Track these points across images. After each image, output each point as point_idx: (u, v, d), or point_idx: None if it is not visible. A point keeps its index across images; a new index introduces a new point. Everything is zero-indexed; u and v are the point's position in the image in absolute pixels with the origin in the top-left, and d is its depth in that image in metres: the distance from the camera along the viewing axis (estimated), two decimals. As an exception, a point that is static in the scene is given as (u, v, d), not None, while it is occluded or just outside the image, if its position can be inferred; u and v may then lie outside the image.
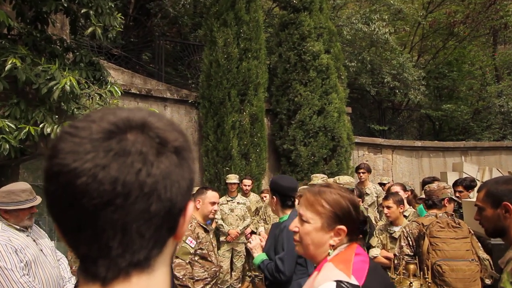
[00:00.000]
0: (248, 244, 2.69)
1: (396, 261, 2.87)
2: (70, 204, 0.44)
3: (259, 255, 2.59)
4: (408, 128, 12.22)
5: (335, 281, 1.10)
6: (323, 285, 1.10)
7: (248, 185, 5.69)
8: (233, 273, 5.51)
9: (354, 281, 1.11)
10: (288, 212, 2.62)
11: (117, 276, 0.46)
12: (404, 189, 4.02)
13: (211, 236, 3.05)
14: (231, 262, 5.52)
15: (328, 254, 1.24)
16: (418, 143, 9.49)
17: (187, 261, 2.73)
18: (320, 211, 1.26)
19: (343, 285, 1.09)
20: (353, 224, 1.25)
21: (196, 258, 2.86)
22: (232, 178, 5.52)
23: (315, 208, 1.27)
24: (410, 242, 2.88)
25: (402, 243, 2.91)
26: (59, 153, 0.45)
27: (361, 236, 1.30)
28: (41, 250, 2.51)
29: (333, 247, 1.24)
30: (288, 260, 2.42)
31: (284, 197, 2.59)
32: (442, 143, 9.91)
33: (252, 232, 5.50)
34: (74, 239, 0.46)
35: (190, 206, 0.53)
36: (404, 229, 2.94)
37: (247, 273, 5.77)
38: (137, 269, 0.48)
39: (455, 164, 9.26)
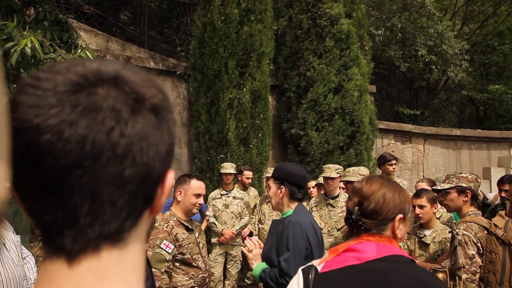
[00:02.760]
0: (244, 249, 2.72)
1: (466, 276, 2.66)
2: (31, 166, 0.46)
3: (258, 265, 2.63)
4: (446, 114, 12.21)
5: (309, 263, 1.49)
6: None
7: (252, 178, 5.73)
8: (227, 282, 5.59)
9: (318, 267, 1.44)
10: (294, 205, 2.66)
11: (85, 249, 0.48)
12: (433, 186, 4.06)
13: (197, 234, 3.06)
14: (225, 269, 5.60)
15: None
16: (457, 132, 9.49)
17: (162, 270, 2.73)
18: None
19: (308, 268, 1.47)
20: (348, 215, 1.49)
21: (177, 264, 2.86)
22: (228, 168, 5.55)
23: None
24: (481, 250, 2.71)
25: (472, 252, 2.69)
26: (19, 107, 0.47)
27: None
28: (4, 245, 2.56)
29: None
30: (295, 260, 2.46)
31: (294, 187, 2.63)
32: (487, 132, 9.91)
33: (251, 234, 5.56)
34: (36, 206, 0.48)
35: (170, 175, 0.55)
36: (466, 233, 2.74)
37: (242, 283, 5.85)
38: (108, 242, 0.50)
39: (502, 158, 9.27)
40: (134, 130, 0.48)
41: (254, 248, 2.69)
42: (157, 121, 0.51)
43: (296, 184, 2.65)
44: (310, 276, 1.42)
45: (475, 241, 2.71)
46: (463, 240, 2.72)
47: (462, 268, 2.68)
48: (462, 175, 3.01)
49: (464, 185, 2.92)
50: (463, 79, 10.97)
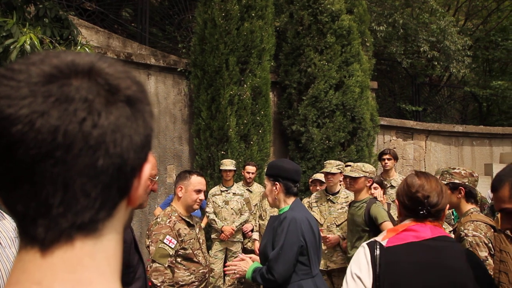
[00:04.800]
0: (232, 268, 2.74)
1: None
2: (4, 156, 0.47)
3: (250, 267, 2.65)
4: (449, 110, 12.15)
5: (372, 239, 1.73)
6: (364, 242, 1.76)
7: (252, 173, 5.74)
8: (227, 278, 5.61)
9: (384, 243, 1.68)
10: (291, 201, 2.67)
11: (58, 239, 0.49)
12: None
13: (197, 230, 3.09)
14: (225, 265, 5.62)
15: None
16: (459, 128, 9.46)
17: (166, 265, 2.76)
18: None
19: (373, 242, 1.70)
20: (401, 201, 1.77)
21: (179, 259, 2.89)
22: (228, 164, 5.57)
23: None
24: (492, 251, 2.58)
25: (484, 253, 2.56)
26: None
27: (423, 215, 1.74)
28: (0, 243, 2.56)
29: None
30: (284, 257, 2.46)
31: (289, 182, 2.65)
32: (489, 128, 9.87)
33: (252, 230, 5.58)
34: (9, 196, 0.49)
35: (147, 168, 0.56)
36: (477, 234, 2.61)
37: (243, 279, 5.87)
38: (82, 232, 0.50)
39: (504, 154, 9.24)
40: (107, 121, 0.49)
41: (236, 265, 2.74)
42: (132, 112, 0.52)
43: (290, 179, 2.67)
44: (375, 249, 1.66)
45: (486, 242, 2.58)
46: (474, 242, 2.59)
47: None
48: (455, 170, 2.87)
49: (457, 181, 2.80)
50: (466, 75, 10.92)
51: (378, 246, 1.68)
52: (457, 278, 1.63)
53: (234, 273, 2.74)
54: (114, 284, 0.53)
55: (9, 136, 0.46)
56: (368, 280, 1.64)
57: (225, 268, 2.88)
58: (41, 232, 0.49)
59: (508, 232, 2.52)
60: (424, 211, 1.75)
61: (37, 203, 0.48)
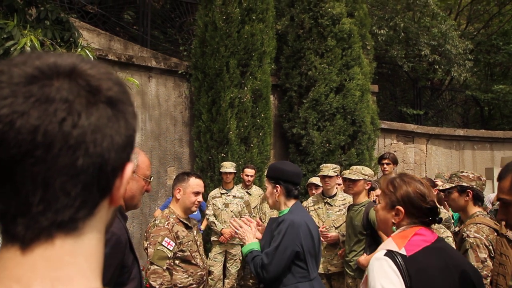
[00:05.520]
0: (237, 231, 2.74)
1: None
2: None
3: (250, 243, 2.65)
4: (450, 114, 12.13)
5: (386, 249, 1.65)
6: (376, 253, 1.67)
7: (251, 175, 5.74)
8: (226, 281, 5.62)
9: (403, 252, 1.62)
10: (291, 204, 2.67)
11: (38, 237, 0.50)
12: (433, 186, 4.05)
13: (195, 232, 3.09)
14: (224, 267, 5.62)
15: (393, 231, 1.76)
16: (460, 132, 9.45)
17: (164, 267, 2.75)
18: (386, 193, 1.82)
19: (391, 253, 1.62)
20: (415, 209, 1.74)
21: (177, 262, 2.89)
22: (228, 167, 5.57)
23: (384, 191, 1.84)
24: (492, 253, 2.62)
25: (483, 255, 2.61)
26: None
27: (428, 221, 1.77)
28: None
29: (395, 225, 1.77)
30: (278, 257, 2.47)
31: (290, 185, 2.65)
32: (490, 132, 9.86)
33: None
34: None
35: (129, 168, 0.57)
36: (478, 235, 2.65)
37: (242, 281, 5.87)
38: (62, 231, 0.51)
39: (505, 158, 9.21)
40: (87, 122, 0.50)
41: (240, 226, 2.74)
42: (113, 113, 0.53)
43: (291, 181, 2.67)
44: (398, 260, 1.60)
45: (487, 244, 2.64)
46: (474, 243, 2.65)
47: None
48: (463, 174, 2.93)
49: (465, 184, 2.85)
50: (467, 79, 10.91)
51: (398, 256, 1.62)
52: (470, 277, 1.67)
53: (236, 232, 2.75)
54: (94, 282, 0.53)
55: None
56: None
57: (231, 221, 2.87)
58: (21, 230, 0.50)
59: (510, 235, 2.54)
60: (432, 217, 1.78)
61: (17, 201, 0.49)
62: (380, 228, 1.91)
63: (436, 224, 3.46)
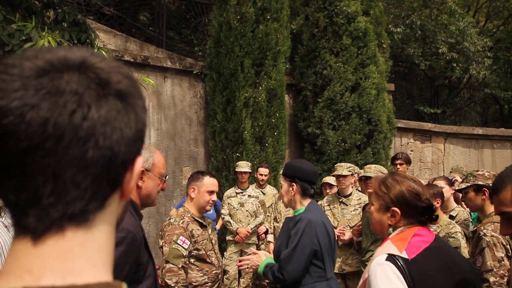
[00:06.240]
0: (245, 262, 2.76)
1: (493, 279, 2.53)
2: None
3: (263, 261, 2.65)
4: (468, 112, 11.93)
5: (387, 253, 1.58)
6: (377, 258, 1.60)
7: (265, 175, 5.73)
8: (242, 280, 5.62)
9: (404, 255, 1.57)
10: (307, 202, 2.66)
11: (49, 229, 0.50)
12: (450, 184, 3.99)
13: (210, 231, 3.10)
14: (239, 262, 5.62)
15: (390, 233, 1.71)
16: (479, 131, 9.28)
17: (180, 266, 2.77)
18: (379, 194, 1.74)
19: (392, 257, 1.56)
20: (411, 208, 1.68)
21: (192, 260, 2.90)
22: (243, 166, 5.58)
23: (376, 192, 1.76)
24: (509, 252, 2.61)
25: (500, 254, 2.58)
26: None
27: (424, 220, 1.72)
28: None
29: (392, 227, 1.71)
30: (296, 258, 2.46)
31: (306, 183, 2.64)
32: (510, 131, 9.65)
33: (266, 232, 5.57)
34: (1, 186, 0.51)
35: (139, 161, 0.57)
36: (495, 234, 2.61)
37: (256, 281, 5.86)
38: (73, 222, 0.51)
39: (526, 158, 9.01)
40: (97, 114, 0.50)
41: (250, 259, 2.75)
42: (123, 106, 0.53)
43: (307, 180, 2.65)
44: (400, 264, 1.55)
45: (504, 243, 2.61)
46: (491, 242, 2.62)
47: (490, 271, 2.57)
48: (479, 173, 2.92)
49: (480, 183, 2.83)
50: (486, 77, 10.72)
51: (400, 260, 1.56)
52: (470, 275, 1.64)
53: (248, 267, 2.76)
54: (105, 274, 0.53)
55: (1, 128, 0.48)
56: None
57: (239, 263, 2.89)
58: (32, 222, 0.50)
59: None
60: (428, 216, 1.73)
61: (27, 193, 0.50)
62: (376, 230, 1.85)
63: (447, 220, 3.44)
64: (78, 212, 0.52)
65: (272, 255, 2.75)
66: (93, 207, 0.53)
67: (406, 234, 1.65)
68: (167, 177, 1.97)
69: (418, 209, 1.69)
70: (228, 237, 5.59)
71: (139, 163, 0.57)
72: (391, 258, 1.57)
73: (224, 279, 5.37)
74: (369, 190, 3.97)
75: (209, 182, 2.99)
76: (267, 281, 5.83)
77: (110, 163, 0.52)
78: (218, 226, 5.72)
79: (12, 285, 0.48)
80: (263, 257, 2.69)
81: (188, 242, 2.84)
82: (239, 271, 5.63)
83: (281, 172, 6.29)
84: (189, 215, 2.94)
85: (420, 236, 1.65)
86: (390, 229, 1.72)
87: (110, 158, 0.52)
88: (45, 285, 0.49)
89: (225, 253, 5.50)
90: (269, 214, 5.56)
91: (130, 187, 0.57)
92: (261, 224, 5.55)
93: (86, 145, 0.50)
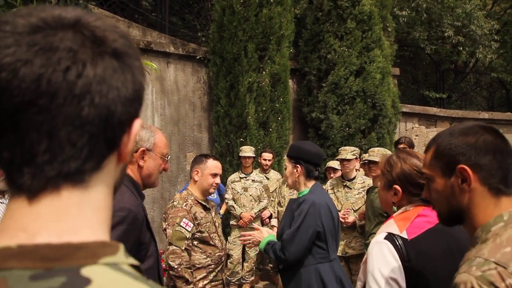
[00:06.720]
0: (249, 240, 2.76)
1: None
2: None
3: (265, 238, 2.66)
4: (474, 97, 11.83)
5: (386, 232, 1.58)
6: (376, 236, 1.61)
7: (269, 160, 5.74)
8: (245, 264, 5.66)
9: (404, 235, 1.56)
10: (311, 184, 2.66)
11: (45, 187, 0.50)
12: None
13: (213, 214, 3.12)
14: (243, 251, 5.67)
15: (394, 211, 1.71)
16: (485, 115, 9.21)
17: (183, 248, 2.79)
18: (384, 172, 1.75)
19: (391, 236, 1.55)
20: (412, 186, 1.66)
21: (195, 242, 2.93)
22: (247, 151, 5.59)
23: (382, 170, 1.78)
24: None
25: None
26: None
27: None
28: None
29: (396, 205, 1.71)
30: (298, 238, 2.47)
31: (310, 165, 2.64)
32: (517, 115, 9.58)
33: (270, 216, 5.60)
34: None
35: (137, 124, 0.56)
36: None
37: (260, 265, 5.91)
38: (69, 182, 0.51)
39: (532, 142, 8.95)
40: (92, 72, 0.50)
41: (251, 234, 2.77)
42: (119, 65, 0.52)
43: (312, 162, 2.65)
44: (398, 243, 1.54)
45: None
46: None
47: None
48: None
49: None
50: (493, 61, 10.60)
51: (399, 239, 1.55)
52: None
53: (249, 242, 2.77)
54: (102, 234, 0.53)
55: None
56: (402, 281, 1.52)
57: (240, 238, 2.91)
58: (27, 180, 0.50)
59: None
60: None
61: (22, 150, 0.49)
62: (384, 208, 1.88)
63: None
64: (74, 171, 0.51)
65: (275, 233, 2.76)
66: (89, 166, 0.52)
67: (410, 214, 1.64)
68: (169, 157, 1.97)
69: (420, 186, 1.65)
70: (232, 222, 5.62)
71: (137, 126, 0.56)
72: (389, 237, 1.57)
73: (228, 263, 5.41)
74: (373, 174, 3.97)
75: (213, 165, 3.00)
76: (271, 265, 5.88)
77: (107, 122, 0.52)
78: (222, 211, 5.75)
79: (6, 243, 0.48)
80: (265, 234, 2.70)
81: (191, 225, 2.86)
82: (243, 256, 5.67)
83: (285, 157, 6.32)
84: (193, 197, 2.96)
85: (424, 216, 1.63)
86: (394, 208, 1.73)
87: (107, 117, 0.51)
88: (40, 242, 0.49)
89: (229, 237, 5.54)
90: (273, 199, 5.58)
91: (128, 149, 0.57)
92: (264, 208, 5.58)
93: (81, 103, 0.49)
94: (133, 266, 0.53)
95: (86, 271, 0.48)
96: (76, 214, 0.52)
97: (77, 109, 0.49)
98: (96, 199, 0.54)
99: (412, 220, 1.61)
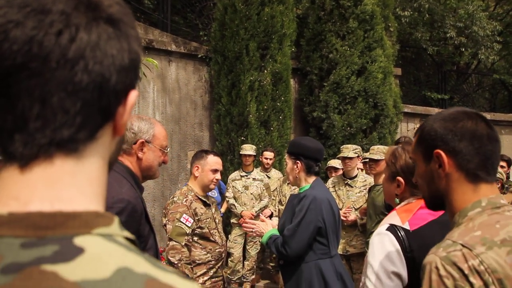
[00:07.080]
0: (253, 230, 2.75)
1: None
2: None
3: (268, 232, 2.65)
4: (476, 99, 11.81)
5: (388, 224, 1.58)
6: (378, 228, 1.61)
7: (270, 159, 5.74)
8: (246, 263, 5.65)
9: (406, 226, 1.55)
10: (312, 180, 2.65)
11: (37, 155, 0.49)
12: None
13: (213, 210, 3.10)
14: (244, 250, 5.65)
15: (397, 204, 1.70)
16: (487, 116, 9.11)
17: (183, 243, 2.78)
18: (388, 164, 1.76)
19: (393, 227, 1.55)
20: None
21: (196, 238, 2.91)
22: (248, 149, 5.57)
23: (387, 162, 1.78)
24: None
25: None
26: None
27: None
28: None
29: (399, 198, 1.71)
30: (299, 234, 2.45)
31: (310, 161, 2.63)
32: (518, 116, 9.55)
33: (271, 215, 5.58)
34: None
35: (132, 95, 0.55)
36: None
37: (261, 264, 5.89)
38: (61, 150, 0.50)
39: (534, 143, 8.92)
40: (86, 37, 0.48)
41: (256, 224, 2.75)
42: (115, 32, 0.51)
43: (312, 157, 2.64)
44: (400, 235, 1.53)
45: None
46: None
47: None
48: None
49: None
50: (495, 62, 10.58)
51: (401, 231, 1.54)
52: None
53: (252, 231, 2.76)
54: (96, 204, 0.52)
55: None
56: (404, 272, 1.50)
57: (244, 225, 2.89)
58: (19, 147, 0.49)
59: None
60: None
61: (13, 116, 0.48)
62: (387, 200, 1.87)
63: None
64: (66, 139, 0.50)
65: (276, 229, 2.75)
66: (83, 136, 0.51)
67: (413, 206, 1.63)
68: (168, 149, 1.96)
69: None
70: (233, 220, 5.61)
71: (133, 97, 0.55)
72: (391, 228, 1.56)
73: (229, 261, 5.40)
74: (373, 172, 3.95)
75: (213, 161, 2.99)
76: (272, 264, 5.86)
77: (101, 91, 0.50)
78: (223, 210, 5.74)
79: None
80: (269, 227, 2.69)
81: (191, 220, 2.84)
82: (244, 254, 5.66)
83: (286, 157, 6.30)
84: (193, 193, 2.95)
85: (427, 208, 1.64)
86: (397, 200, 1.72)
87: (101, 84, 0.50)
88: (31, 210, 0.47)
89: (229, 236, 5.53)
90: (274, 198, 5.57)
91: (123, 121, 0.55)
92: (265, 207, 5.56)
93: (74, 68, 0.48)
94: (129, 240, 0.52)
95: (79, 241, 0.47)
96: (69, 183, 0.50)
97: (70, 75, 0.48)
98: (90, 170, 0.52)
99: (414, 212, 1.60)
